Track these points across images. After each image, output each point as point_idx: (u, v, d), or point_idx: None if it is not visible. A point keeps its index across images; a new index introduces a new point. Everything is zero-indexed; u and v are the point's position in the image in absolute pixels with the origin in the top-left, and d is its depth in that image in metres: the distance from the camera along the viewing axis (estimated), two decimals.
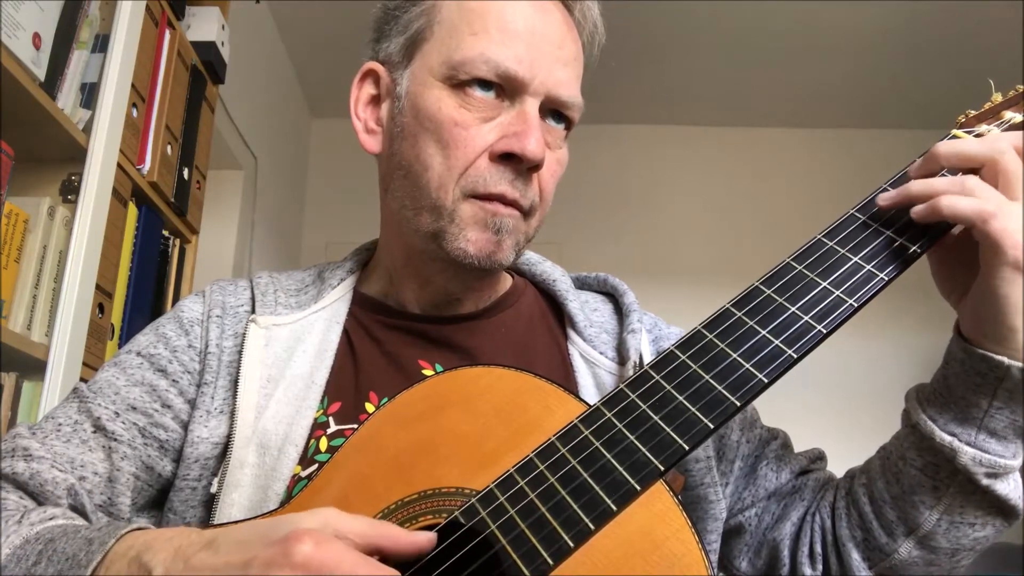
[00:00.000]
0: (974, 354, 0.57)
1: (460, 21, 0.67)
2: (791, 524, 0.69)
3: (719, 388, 0.53)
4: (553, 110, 0.69)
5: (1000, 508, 0.60)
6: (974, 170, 0.59)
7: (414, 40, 0.69)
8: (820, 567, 0.67)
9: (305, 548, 0.42)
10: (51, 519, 0.55)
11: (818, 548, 0.67)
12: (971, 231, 0.56)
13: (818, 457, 0.74)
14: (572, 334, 0.74)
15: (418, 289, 0.73)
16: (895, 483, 0.62)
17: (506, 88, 0.66)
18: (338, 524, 0.45)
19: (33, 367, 1.20)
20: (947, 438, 0.58)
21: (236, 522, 0.57)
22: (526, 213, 0.68)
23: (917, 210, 0.58)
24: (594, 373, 0.71)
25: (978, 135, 0.64)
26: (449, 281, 0.71)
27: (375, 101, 0.73)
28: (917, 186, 0.58)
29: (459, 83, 0.66)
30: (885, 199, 0.60)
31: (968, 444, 0.58)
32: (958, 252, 0.60)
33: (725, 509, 0.70)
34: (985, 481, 0.58)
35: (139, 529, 0.51)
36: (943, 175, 0.60)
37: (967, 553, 0.61)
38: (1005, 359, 0.56)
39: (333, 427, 0.66)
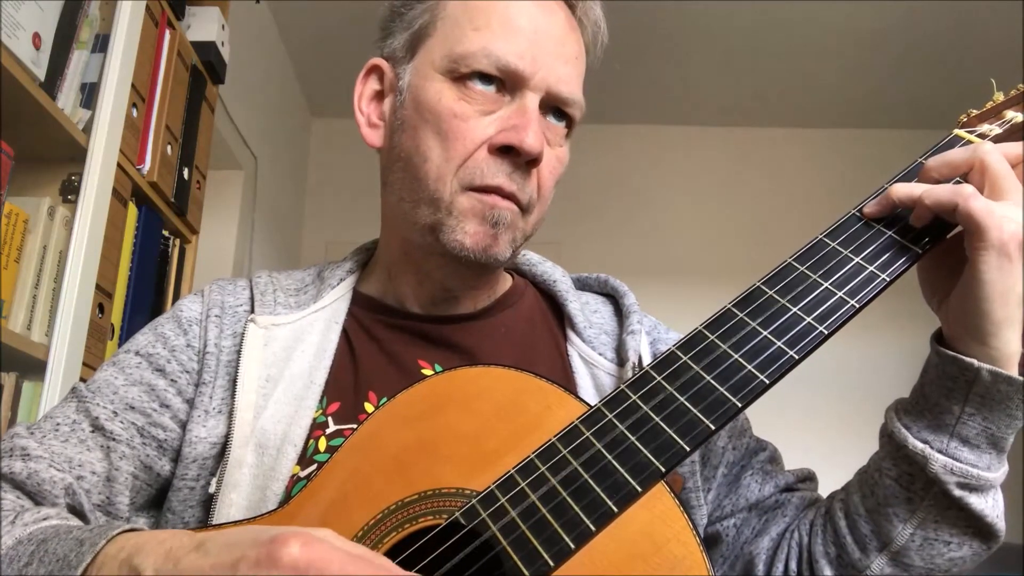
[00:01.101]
0: (945, 356, 0.56)
1: (464, 17, 0.67)
2: (769, 539, 0.67)
3: (720, 389, 0.53)
4: (554, 108, 0.69)
5: (977, 527, 0.57)
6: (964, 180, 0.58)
7: (418, 35, 0.70)
8: None
9: (293, 549, 0.41)
10: (45, 519, 0.54)
11: (793, 565, 0.65)
12: (957, 219, 0.55)
13: (807, 477, 0.73)
14: (572, 335, 0.74)
15: (416, 285, 0.73)
16: (870, 496, 0.61)
17: (507, 82, 0.66)
18: (334, 543, 0.44)
19: (33, 367, 1.20)
20: (919, 445, 0.57)
21: (229, 524, 0.57)
22: (524, 209, 0.67)
23: (913, 216, 0.58)
24: (593, 374, 0.71)
25: (980, 135, 0.64)
26: (447, 276, 0.71)
27: (379, 97, 0.74)
28: (898, 190, 0.58)
29: (460, 76, 0.66)
30: (870, 209, 0.60)
31: (940, 452, 0.56)
32: (945, 255, 0.59)
33: (705, 516, 0.69)
34: (958, 492, 0.56)
35: (131, 530, 0.50)
36: None
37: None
38: (975, 361, 0.55)
39: (332, 427, 0.66)
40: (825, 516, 0.65)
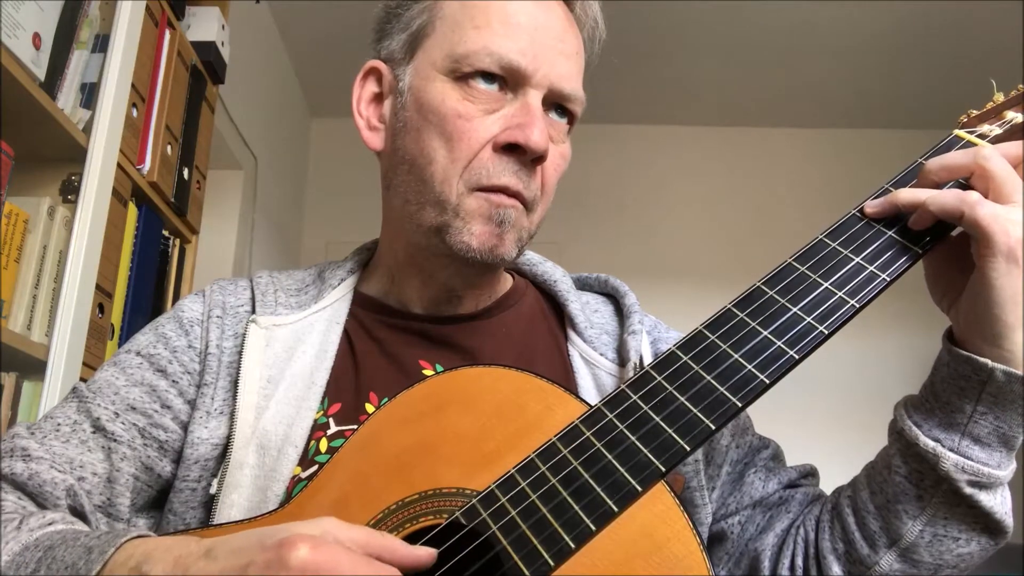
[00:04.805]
0: (958, 356, 0.57)
1: (463, 16, 0.67)
2: (774, 535, 0.68)
3: (721, 389, 0.53)
4: (556, 104, 0.69)
5: (986, 524, 0.58)
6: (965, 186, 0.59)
7: (416, 36, 0.70)
8: None
9: (302, 552, 0.42)
10: (50, 524, 0.54)
11: (799, 561, 0.65)
12: (963, 226, 0.56)
13: (809, 473, 0.73)
14: (572, 335, 0.74)
15: (420, 286, 0.73)
16: (879, 492, 0.61)
17: (509, 81, 0.66)
18: (337, 533, 0.45)
19: (33, 367, 1.20)
20: (930, 443, 0.57)
21: (234, 523, 0.57)
22: (528, 206, 0.68)
23: (913, 220, 0.58)
24: (594, 374, 0.71)
25: (980, 135, 0.64)
26: (451, 277, 0.71)
27: (377, 99, 0.73)
28: (902, 195, 0.59)
29: (462, 75, 0.66)
30: (871, 209, 0.60)
31: (951, 450, 0.57)
32: (952, 255, 0.60)
33: (710, 514, 0.69)
34: (968, 490, 0.56)
35: (139, 537, 0.51)
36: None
37: (951, 571, 0.59)
38: (989, 361, 0.55)
39: (333, 428, 0.66)
40: (832, 512, 0.65)
